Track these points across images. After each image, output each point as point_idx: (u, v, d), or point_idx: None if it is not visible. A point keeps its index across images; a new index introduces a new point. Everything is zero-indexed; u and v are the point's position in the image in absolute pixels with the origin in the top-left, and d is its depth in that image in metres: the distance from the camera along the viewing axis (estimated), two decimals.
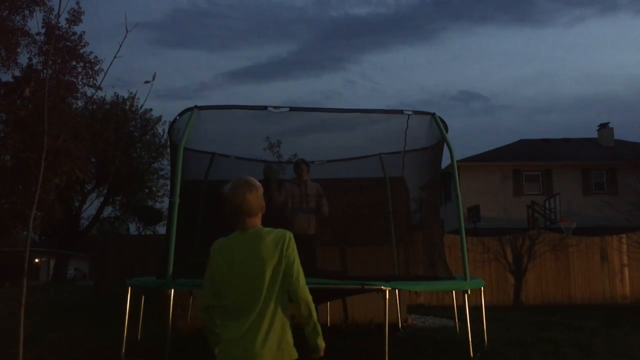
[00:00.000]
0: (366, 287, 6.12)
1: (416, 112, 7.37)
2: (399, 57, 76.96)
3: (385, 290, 5.86)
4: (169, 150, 13.70)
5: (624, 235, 14.52)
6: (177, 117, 7.15)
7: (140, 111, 26.25)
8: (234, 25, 77.32)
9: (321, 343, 2.41)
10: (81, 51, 15.11)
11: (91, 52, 15.32)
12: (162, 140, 27.00)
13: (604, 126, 30.03)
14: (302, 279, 2.32)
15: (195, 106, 6.79)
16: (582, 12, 66.16)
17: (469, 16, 69.29)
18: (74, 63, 14.97)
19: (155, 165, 28.41)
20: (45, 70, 13.88)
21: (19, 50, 14.71)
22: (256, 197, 2.36)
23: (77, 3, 14.53)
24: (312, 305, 2.37)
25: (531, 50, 71.56)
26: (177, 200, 6.24)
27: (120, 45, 3.74)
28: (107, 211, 29.41)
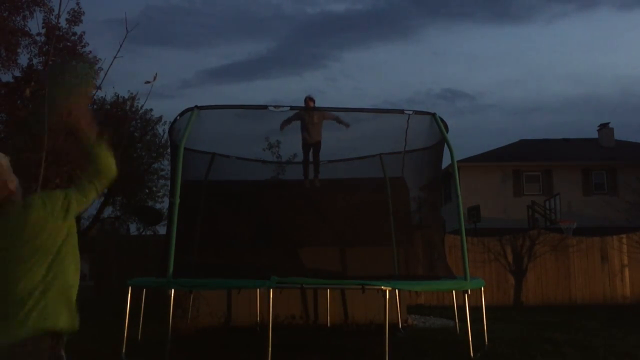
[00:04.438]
0: (366, 287, 6.13)
1: (417, 112, 7.39)
2: (379, 54, 77.13)
3: (385, 290, 5.86)
4: (169, 150, 13.70)
5: (624, 236, 14.51)
6: (178, 117, 7.16)
7: (141, 112, 26.23)
8: (209, 22, 77.34)
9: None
10: (81, 51, 15.08)
11: (90, 52, 15.29)
12: (163, 141, 26.97)
13: (604, 126, 30.01)
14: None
15: (196, 106, 6.80)
16: (562, 8, 66.14)
17: (447, 12, 69.34)
18: (73, 63, 14.95)
19: (156, 165, 28.38)
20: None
21: (19, 50, 14.68)
22: None
23: (77, 3, 14.50)
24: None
25: (513, 47, 71.82)
26: (177, 200, 6.25)
27: (121, 46, 3.75)
28: (108, 211, 29.38)
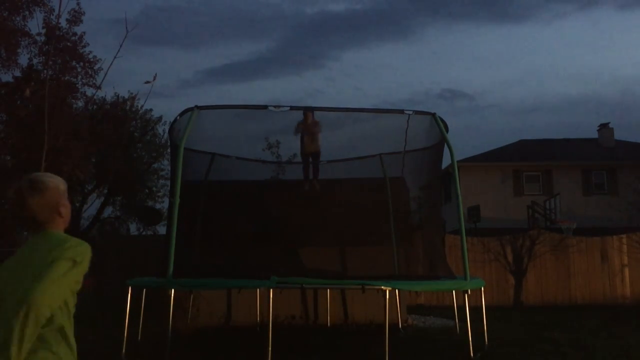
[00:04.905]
0: (366, 287, 6.13)
1: (417, 112, 7.38)
2: (379, 54, 76.78)
3: (385, 290, 5.86)
4: (169, 150, 13.72)
5: (624, 236, 14.51)
6: (178, 117, 7.16)
7: (141, 112, 26.27)
8: (209, 22, 76.94)
9: None
10: (81, 51, 15.08)
11: (90, 52, 15.28)
12: (163, 141, 27.01)
13: (604, 126, 30.01)
14: None
15: (196, 106, 6.80)
16: (562, 8, 65.96)
17: (447, 12, 69.09)
18: (74, 63, 14.95)
19: (156, 165, 28.42)
20: (45, 71, 13.89)
21: (19, 50, 14.68)
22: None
23: (78, 3, 14.50)
24: None
25: (513, 47, 71.65)
26: (177, 200, 6.25)
27: (121, 46, 3.75)
28: (108, 211, 29.43)
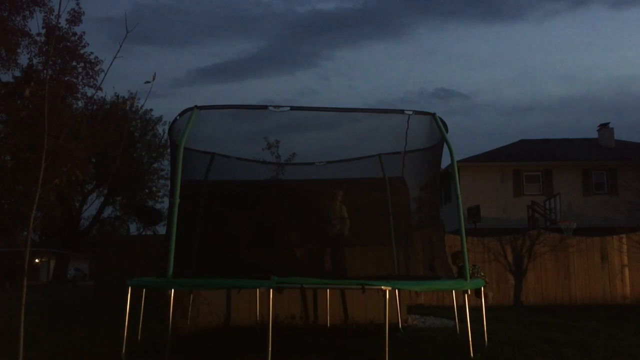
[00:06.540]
0: (366, 287, 6.12)
1: (416, 112, 7.38)
2: (371, 53, 76.27)
3: (385, 290, 5.86)
4: (169, 150, 13.71)
5: (624, 236, 14.52)
6: (177, 117, 7.15)
7: (141, 112, 26.31)
8: (200, 21, 76.40)
9: None
10: (81, 51, 15.10)
11: (91, 52, 15.30)
12: (162, 141, 27.04)
13: (604, 126, 30.03)
14: None
15: (195, 106, 6.79)
16: (553, 7, 65.68)
17: (439, 11, 69.03)
18: (74, 63, 14.96)
19: (156, 165, 28.46)
20: (45, 71, 13.89)
21: (19, 50, 14.70)
22: None
23: (77, 3, 14.52)
24: None
25: (505, 46, 71.46)
26: (177, 200, 6.25)
27: (121, 46, 3.75)
28: (108, 211, 29.43)
